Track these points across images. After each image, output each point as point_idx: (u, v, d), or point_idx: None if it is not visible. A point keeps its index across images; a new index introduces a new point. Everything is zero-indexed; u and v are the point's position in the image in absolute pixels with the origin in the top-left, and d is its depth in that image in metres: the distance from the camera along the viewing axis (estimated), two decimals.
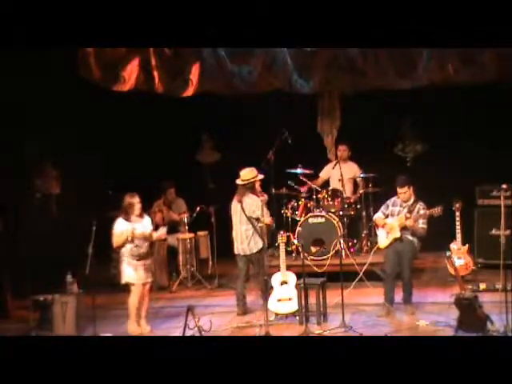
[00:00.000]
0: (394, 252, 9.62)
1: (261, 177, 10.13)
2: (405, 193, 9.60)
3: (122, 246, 9.21)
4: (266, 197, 10.84)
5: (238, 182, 9.95)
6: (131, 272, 9.25)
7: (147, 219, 9.44)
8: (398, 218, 9.60)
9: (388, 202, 9.83)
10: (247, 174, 9.96)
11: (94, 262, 8.96)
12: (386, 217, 9.75)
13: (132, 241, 9.18)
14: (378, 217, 9.87)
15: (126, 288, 9.37)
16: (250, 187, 9.95)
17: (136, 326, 9.29)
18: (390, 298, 9.64)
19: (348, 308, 9.46)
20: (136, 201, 9.28)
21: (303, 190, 11.68)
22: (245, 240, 9.92)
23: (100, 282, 9.84)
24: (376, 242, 10.28)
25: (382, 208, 9.86)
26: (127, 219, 9.24)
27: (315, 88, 11.71)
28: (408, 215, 9.52)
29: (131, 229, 9.18)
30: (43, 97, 11.02)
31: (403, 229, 9.55)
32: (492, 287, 10.03)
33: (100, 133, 12.12)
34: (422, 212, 9.53)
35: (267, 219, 9.84)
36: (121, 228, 9.21)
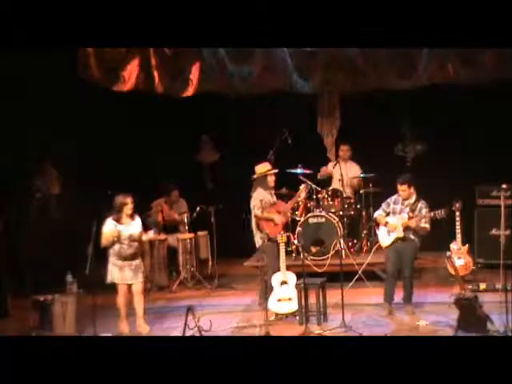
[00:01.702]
0: (396, 251, 9.62)
1: (271, 171, 10.08)
2: (404, 190, 9.59)
3: (109, 246, 9.25)
4: (301, 194, 10.60)
5: (253, 176, 10.07)
6: (116, 272, 9.28)
7: (137, 220, 9.43)
8: (400, 217, 9.59)
9: (389, 199, 9.83)
10: (259, 168, 10.11)
11: (93, 262, 8.96)
12: (387, 214, 9.75)
13: (118, 242, 9.21)
14: (379, 215, 9.86)
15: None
16: (260, 181, 10.03)
17: (125, 325, 9.31)
18: (390, 297, 9.64)
19: (348, 308, 9.45)
20: (129, 201, 9.29)
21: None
22: (253, 233, 10.06)
23: (100, 282, 9.82)
24: (376, 242, 10.27)
25: (383, 206, 9.86)
26: (117, 220, 9.26)
27: (315, 88, 11.72)
28: (411, 214, 9.52)
29: (117, 230, 9.20)
30: (43, 97, 11.03)
31: (406, 228, 9.55)
32: (492, 287, 10.03)
33: (100, 133, 12.11)
34: (424, 211, 9.53)
35: (256, 211, 9.90)
36: (108, 228, 9.25)
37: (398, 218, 9.61)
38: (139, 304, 9.38)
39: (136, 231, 9.32)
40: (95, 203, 10.96)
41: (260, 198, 9.99)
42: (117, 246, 9.23)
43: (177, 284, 11.58)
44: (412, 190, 9.63)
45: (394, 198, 9.79)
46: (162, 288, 11.56)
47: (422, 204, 9.61)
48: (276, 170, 10.17)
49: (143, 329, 9.31)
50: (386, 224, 9.70)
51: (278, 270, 9.61)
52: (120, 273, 9.28)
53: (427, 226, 9.55)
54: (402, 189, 9.60)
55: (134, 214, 9.40)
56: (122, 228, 9.24)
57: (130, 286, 9.34)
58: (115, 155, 12.42)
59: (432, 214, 9.47)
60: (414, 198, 9.65)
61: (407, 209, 9.60)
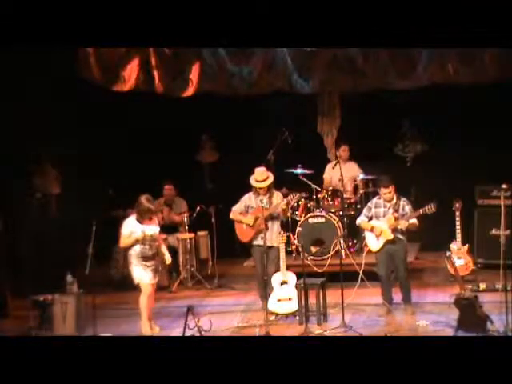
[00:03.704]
0: (386, 254, 9.59)
1: (259, 184, 9.86)
2: (390, 192, 9.56)
3: (130, 246, 9.17)
4: (280, 205, 10.33)
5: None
6: (142, 272, 9.16)
7: (156, 222, 9.35)
8: (386, 219, 9.55)
9: (369, 204, 9.79)
10: (256, 172, 9.94)
11: (93, 262, 8.95)
12: (370, 219, 9.71)
13: (143, 242, 9.13)
14: (362, 221, 9.79)
15: (138, 288, 9.31)
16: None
17: (148, 327, 9.23)
18: (388, 297, 9.65)
19: (348, 308, 9.45)
20: (153, 207, 9.25)
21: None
22: None
23: (100, 282, 9.85)
24: (365, 245, 10.26)
25: (365, 211, 9.79)
26: (140, 221, 9.19)
27: (315, 88, 11.70)
28: (396, 215, 9.48)
29: (141, 230, 9.13)
30: (43, 97, 11.03)
31: (394, 229, 9.52)
32: (492, 287, 10.03)
33: (100, 133, 12.12)
34: (407, 208, 9.50)
35: (231, 215, 10.09)
36: (131, 228, 9.15)
37: (383, 221, 9.57)
38: (151, 305, 9.35)
39: (157, 231, 9.25)
40: (95, 203, 10.98)
41: (244, 202, 9.98)
42: (138, 247, 9.16)
43: (177, 284, 11.58)
44: (393, 190, 9.60)
45: (374, 201, 9.75)
46: (161, 288, 11.55)
47: (403, 202, 9.58)
48: (263, 184, 9.85)
49: (153, 329, 9.27)
50: (372, 229, 9.66)
51: (263, 273, 9.50)
52: (145, 273, 9.15)
53: (415, 221, 9.49)
54: (388, 191, 9.56)
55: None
56: (145, 228, 9.17)
57: (152, 286, 9.28)
58: (115, 155, 12.41)
59: (421, 210, 9.43)
60: (395, 198, 9.62)
61: (391, 210, 9.55)
